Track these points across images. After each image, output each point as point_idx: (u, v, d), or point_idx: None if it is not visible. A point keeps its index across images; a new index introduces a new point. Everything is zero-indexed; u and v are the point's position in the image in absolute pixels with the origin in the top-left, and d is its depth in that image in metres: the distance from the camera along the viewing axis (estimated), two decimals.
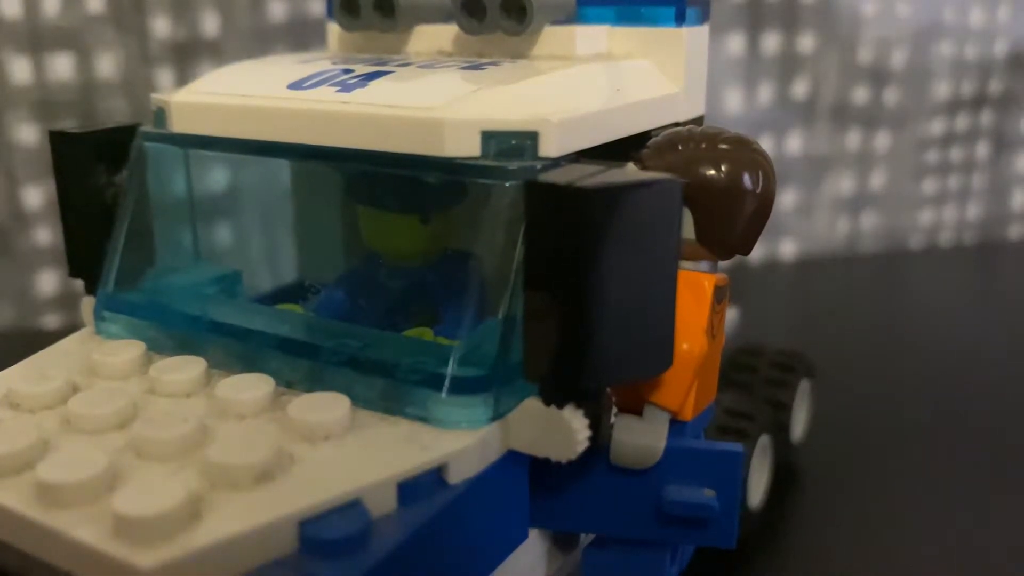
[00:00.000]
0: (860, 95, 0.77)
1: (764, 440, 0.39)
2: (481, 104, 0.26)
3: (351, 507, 0.22)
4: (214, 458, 0.23)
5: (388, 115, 0.27)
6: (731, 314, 0.45)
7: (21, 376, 0.28)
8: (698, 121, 0.33)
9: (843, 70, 0.76)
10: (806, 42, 0.75)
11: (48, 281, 0.64)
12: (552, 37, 0.32)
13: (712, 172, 0.27)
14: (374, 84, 0.28)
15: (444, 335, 0.29)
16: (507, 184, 0.25)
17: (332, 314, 0.33)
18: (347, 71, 0.30)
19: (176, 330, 0.30)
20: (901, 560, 0.37)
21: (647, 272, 0.24)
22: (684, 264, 0.27)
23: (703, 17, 0.33)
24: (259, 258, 0.39)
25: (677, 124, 0.31)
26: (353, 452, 0.24)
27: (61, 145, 0.32)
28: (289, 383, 0.27)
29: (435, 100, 0.26)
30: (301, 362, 0.27)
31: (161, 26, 0.62)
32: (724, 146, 0.27)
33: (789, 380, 0.43)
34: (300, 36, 0.64)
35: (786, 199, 0.77)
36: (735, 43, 0.73)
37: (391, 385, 0.26)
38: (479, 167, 0.26)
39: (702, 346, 0.27)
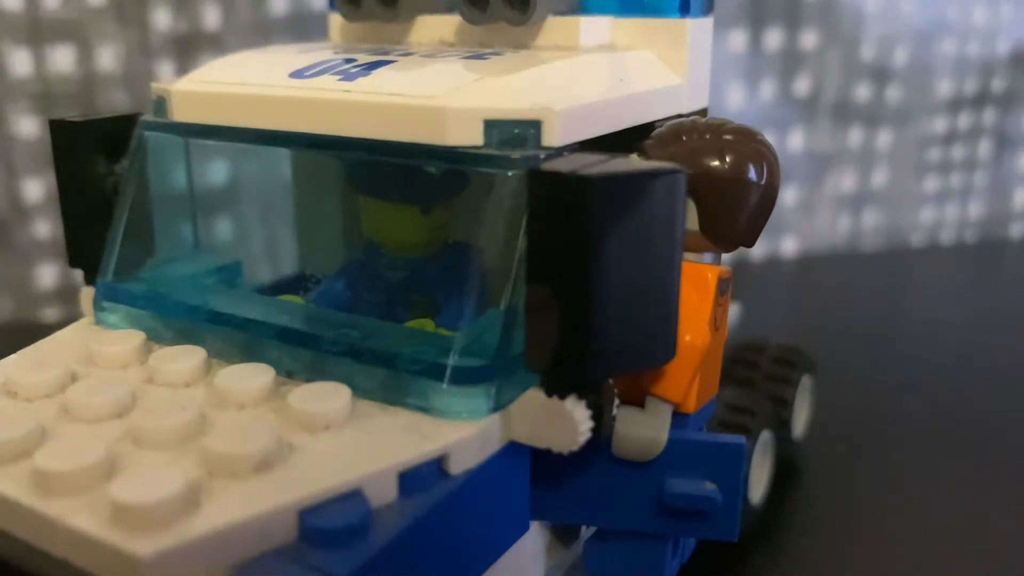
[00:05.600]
0: (862, 92, 0.77)
1: (765, 436, 0.38)
2: (484, 93, 0.26)
3: (351, 497, 0.22)
4: (213, 447, 0.22)
5: (390, 103, 0.26)
6: (733, 310, 0.45)
7: (19, 365, 0.28)
8: (702, 113, 0.33)
9: (845, 67, 0.76)
10: (809, 39, 0.74)
11: (47, 274, 0.64)
12: (555, 27, 0.32)
13: (716, 163, 0.27)
14: (376, 73, 0.28)
15: (445, 326, 0.29)
16: (510, 173, 0.25)
17: (332, 305, 0.33)
18: (349, 60, 0.30)
19: (175, 320, 0.30)
20: (902, 556, 0.37)
21: (650, 262, 0.23)
22: (687, 256, 0.27)
23: (707, 8, 0.32)
24: (259, 248, 0.38)
25: (680, 115, 0.31)
26: (353, 442, 0.24)
27: (61, 134, 0.32)
28: (289, 373, 0.27)
29: (438, 89, 0.26)
30: (301, 352, 0.27)
31: (162, 19, 0.62)
32: (728, 137, 0.27)
33: (790, 376, 0.42)
34: (301, 29, 0.64)
35: (788, 196, 0.77)
36: (737, 39, 0.73)
37: (392, 375, 0.26)
38: (481, 156, 0.26)
39: (705, 338, 0.27)
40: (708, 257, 0.28)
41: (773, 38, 0.74)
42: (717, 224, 0.27)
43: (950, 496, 0.41)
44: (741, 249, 0.28)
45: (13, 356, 0.29)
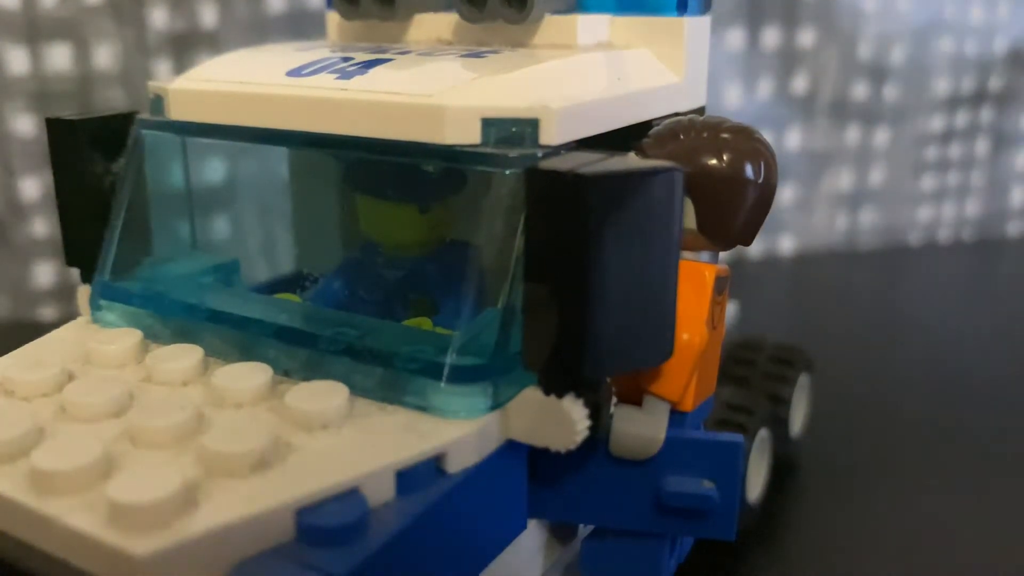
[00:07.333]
0: (860, 91, 0.77)
1: (763, 434, 0.38)
2: (481, 91, 0.26)
3: (349, 496, 0.22)
4: (211, 446, 0.22)
5: (388, 102, 0.26)
6: (730, 309, 0.45)
7: (16, 363, 0.28)
8: (699, 111, 0.33)
9: (843, 66, 0.76)
10: (806, 37, 0.74)
11: (45, 273, 0.64)
12: (553, 26, 0.32)
13: (714, 161, 0.27)
14: (374, 71, 0.28)
15: (443, 325, 0.29)
16: (507, 172, 0.25)
17: (330, 304, 0.33)
18: (346, 59, 0.30)
19: (173, 318, 0.30)
20: (899, 555, 0.37)
21: (648, 261, 0.23)
22: (685, 254, 0.27)
23: (705, 7, 0.32)
24: (257, 247, 0.38)
25: (678, 114, 0.31)
26: (351, 441, 0.24)
27: (58, 133, 0.32)
28: (287, 372, 0.27)
29: (435, 87, 0.26)
30: (299, 351, 0.27)
31: (159, 17, 0.62)
32: (726, 135, 0.27)
33: (788, 375, 0.42)
34: (299, 28, 0.64)
35: (785, 194, 0.77)
36: (735, 37, 0.73)
37: (390, 374, 0.26)
38: (479, 155, 0.25)
39: (703, 336, 0.27)
40: (705, 255, 0.28)
41: (771, 36, 0.74)
42: (715, 222, 0.27)
43: (948, 494, 0.41)
44: (738, 247, 0.28)
45: (10, 355, 0.29)
